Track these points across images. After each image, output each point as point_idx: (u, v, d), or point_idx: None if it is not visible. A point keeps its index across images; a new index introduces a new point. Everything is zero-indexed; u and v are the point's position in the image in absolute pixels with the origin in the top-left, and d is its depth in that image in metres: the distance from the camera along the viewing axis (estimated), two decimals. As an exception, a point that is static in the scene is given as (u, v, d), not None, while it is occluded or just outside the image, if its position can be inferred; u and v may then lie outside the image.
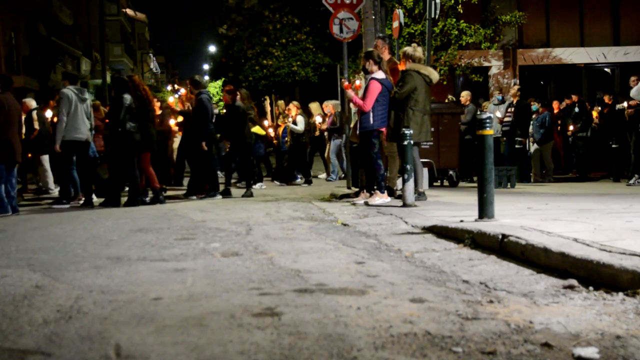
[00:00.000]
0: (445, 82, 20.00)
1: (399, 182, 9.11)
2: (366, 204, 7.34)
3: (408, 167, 6.85)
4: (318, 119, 14.29)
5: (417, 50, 7.76)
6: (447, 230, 4.65)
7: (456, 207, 6.59)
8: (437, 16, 12.81)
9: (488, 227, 4.20)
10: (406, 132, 7.09)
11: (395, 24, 12.72)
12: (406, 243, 4.46)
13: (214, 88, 44.04)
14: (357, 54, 17.70)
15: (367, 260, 3.82)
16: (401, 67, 7.92)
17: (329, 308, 2.65)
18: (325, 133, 14.51)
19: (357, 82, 7.95)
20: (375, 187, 7.57)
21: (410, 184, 6.86)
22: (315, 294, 2.92)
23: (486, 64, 22.33)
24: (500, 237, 3.85)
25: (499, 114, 13.14)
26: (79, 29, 37.38)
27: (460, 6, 18.37)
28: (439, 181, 10.62)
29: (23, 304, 2.87)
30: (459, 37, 18.83)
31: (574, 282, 2.94)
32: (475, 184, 5.41)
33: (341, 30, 10.33)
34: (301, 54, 25.04)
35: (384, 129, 7.65)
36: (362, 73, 8.18)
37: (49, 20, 30.87)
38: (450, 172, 10.53)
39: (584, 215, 5.28)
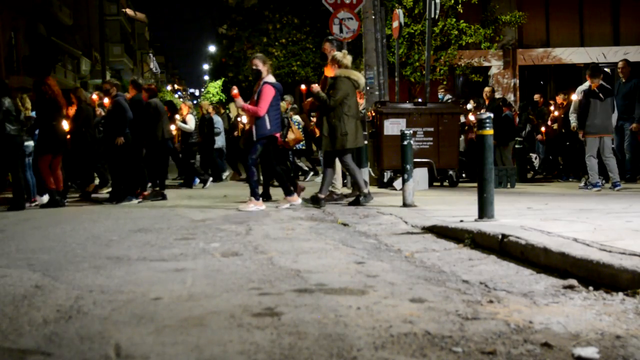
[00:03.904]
0: (445, 82, 20.02)
1: (398, 182, 9.14)
2: (237, 210, 7.29)
3: (408, 167, 6.86)
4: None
5: (347, 58, 7.68)
6: (447, 230, 4.65)
7: (456, 207, 6.59)
8: (437, 16, 12.81)
9: (488, 227, 4.20)
10: (406, 132, 7.10)
11: (395, 24, 12.73)
12: (406, 243, 4.46)
13: (214, 88, 43.98)
14: (357, 54, 17.71)
15: (367, 260, 3.82)
16: (328, 72, 7.81)
17: (329, 308, 2.65)
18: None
19: (235, 91, 7.89)
20: (250, 194, 7.47)
21: (410, 184, 6.87)
22: (315, 294, 2.92)
23: (486, 63, 22.36)
24: (500, 237, 3.85)
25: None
26: (78, 29, 37.38)
27: (460, 6, 18.40)
28: (439, 181, 10.61)
29: (23, 304, 2.86)
30: (459, 37, 18.85)
31: (573, 282, 2.94)
32: (475, 184, 5.41)
33: (341, 30, 10.32)
34: (301, 54, 25.02)
35: (278, 135, 7.58)
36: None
37: (49, 20, 30.89)
38: (450, 172, 10.53)
39: (584, 215, 5.28)
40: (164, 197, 9.55)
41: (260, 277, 3.35)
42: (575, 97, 10.60)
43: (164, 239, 5.03)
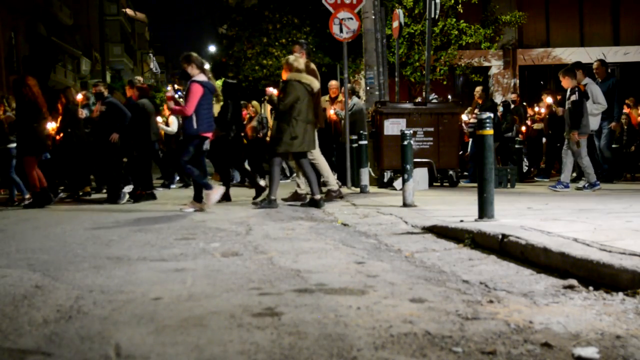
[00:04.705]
0: (445, 82, 20.04)
1: (398, 182, 9.14)
2: (201, 209, 7.26)
3: (408, 167, 6.86)
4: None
5: (298, 61, 7.62)
6: (447, 230, 4.65)
7: (456, 207, 6.59)
8: (437, 16, 12.82)
9: (488, 227, 4.20)
10: (406, 132, 7.11)
11: (395, 24, 12.73)
12: (406, 243, 4.46)
13: (214, 88, 43.87)
14: (357, 54, 17.72)
15: (367, 260, 3.82)
16: (283, 76, 7.76)
17: (329, 308, 2.65)
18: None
19: (169, 94, 7.90)
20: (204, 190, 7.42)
21: (410, 184, 6.87)
22: (315, 294, 2.92)
23: (486, 64, 22.36)
24: (500, 237, 3.85)
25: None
26: (78, 29, 37.41)
27: (460, 6, 18.40)
28: (439, 181, 10.62)
29: (23, 304, 2.86)
30: (459, 37, 18.84)
31: (574, 282, 2.94)
32: (475, 184, 5.41)
33: (341, 30, 10.32)
34: (301, 53, 25.02)
35: (209, 134, 7.47)
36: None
37: (49, 20, 30.92)
38: (450, 172, 10.53)
39: (584, 215, 5.28)
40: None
41: (260, 277, 3.35)
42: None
43: (164, 239, 5.03)
